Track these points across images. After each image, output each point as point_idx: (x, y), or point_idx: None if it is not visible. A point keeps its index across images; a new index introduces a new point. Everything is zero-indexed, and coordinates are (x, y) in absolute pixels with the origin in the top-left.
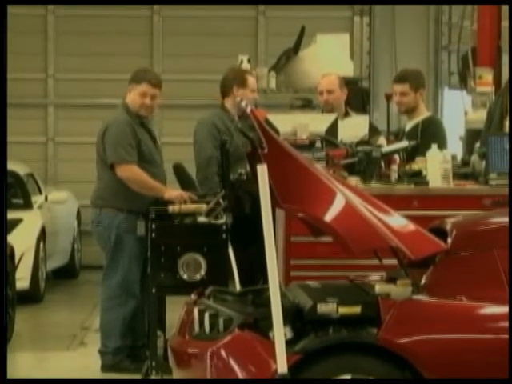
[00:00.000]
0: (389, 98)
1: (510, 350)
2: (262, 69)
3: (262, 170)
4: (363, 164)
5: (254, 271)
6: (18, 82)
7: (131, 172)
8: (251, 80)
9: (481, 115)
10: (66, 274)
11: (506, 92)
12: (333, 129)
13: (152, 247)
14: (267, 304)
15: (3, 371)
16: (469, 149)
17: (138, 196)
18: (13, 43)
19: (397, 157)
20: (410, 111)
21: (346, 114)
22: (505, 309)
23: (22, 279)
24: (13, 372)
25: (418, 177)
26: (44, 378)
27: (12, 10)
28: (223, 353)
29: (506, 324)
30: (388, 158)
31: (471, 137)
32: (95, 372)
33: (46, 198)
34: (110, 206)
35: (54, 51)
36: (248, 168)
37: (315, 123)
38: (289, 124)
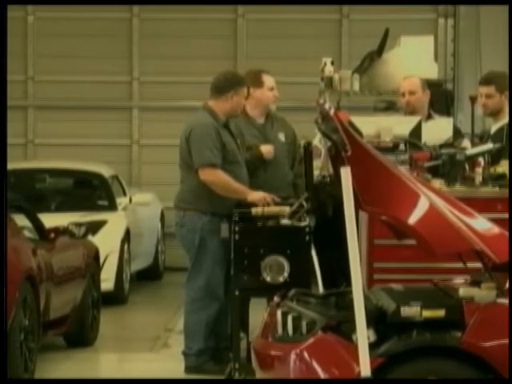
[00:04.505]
0: (473, 100)
1: (509, 350)
2: (346, 71)
3: (346, 173)
4: (447, 167)
5: (337, 274)
6: (103, 84)
7: (215, 176)
8: (267, 79)
9: None
10: (150, 275)
11: None
12: (416, 131)
13: (235, 249)
14: (350, 307)
15: (3, 371)
16: None
17: (221, 198)
18: (98, 47)
19: (481, 159)
20: (495, 114)
21: (429, 117)
22: None
23: (107, 281)
24: (96, 372)
25: (502, 180)
26: (45, 379)
27: (97, 14)
28: (306, 355)
29: None
30: (472, 160)
31: None
32: (178, 373)
33: (131, 200)
34: (193, 208)
35: (138, 54)
36: (331, 170)
37: (399, 126)
38: (372, 126)
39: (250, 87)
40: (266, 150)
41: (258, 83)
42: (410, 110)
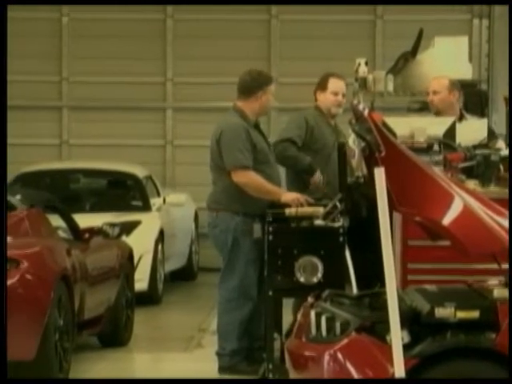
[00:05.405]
0: (508, 100)
1: (509, 350)
2: (380, 72)
3: (380, 173)
4: (482, 167)
5: (371, 275)
6: (137, 85)
7: (248, 177)
8: (333, 83)
9: None
10: (184, 275)
11: None
12: (451, 132)
13: (269, 250)
14: (384, 308)
15: (3, 371)
16: None
17: (253, 199)
18: (132, 48)
19: None
20: None
21: (462, 117)
22: None
23: (141, 281)
24: (130, 372)
25: None
26: (47, 379)
27: (131, 15)
28: (340, 356)
29: None
30: (507, 161)
31: None
32: (212, 374)
33: (165, 201)
34: (226, 209)
35: (172, 55)
36: (365, 171)
37: (433, 126)
38: (406, 127)
39: (317, 90)
40: (315, 179)
41: (323, 87)
42: (435, 110)
